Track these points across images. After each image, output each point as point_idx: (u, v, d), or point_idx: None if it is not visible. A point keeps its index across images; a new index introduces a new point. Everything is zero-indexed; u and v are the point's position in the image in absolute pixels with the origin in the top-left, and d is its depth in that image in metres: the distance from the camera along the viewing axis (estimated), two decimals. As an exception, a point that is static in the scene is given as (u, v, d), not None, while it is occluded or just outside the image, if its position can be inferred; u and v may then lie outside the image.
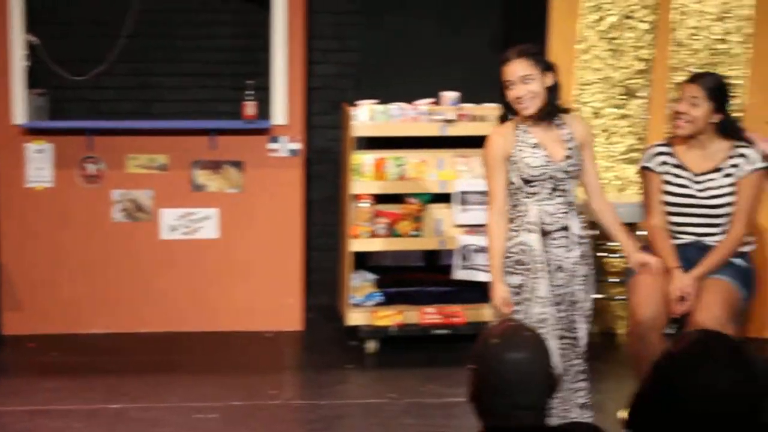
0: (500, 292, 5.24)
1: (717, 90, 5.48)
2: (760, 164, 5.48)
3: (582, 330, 5.30)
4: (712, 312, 5.29)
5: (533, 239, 5.20)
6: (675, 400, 2.68)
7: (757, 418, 2.69)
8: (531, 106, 5.19)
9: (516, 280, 5.25)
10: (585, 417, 5.28)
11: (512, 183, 5.22)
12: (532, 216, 5.21)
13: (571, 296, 5.25)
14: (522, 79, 5.18)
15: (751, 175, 5.47)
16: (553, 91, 5.24)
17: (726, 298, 5.40)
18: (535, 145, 5.20)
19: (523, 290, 5.25)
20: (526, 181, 5.21)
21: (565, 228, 5.23)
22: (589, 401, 5.33)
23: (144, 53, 7.82)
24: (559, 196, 5.23)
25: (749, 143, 5.59)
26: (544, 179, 5.19)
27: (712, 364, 2.69)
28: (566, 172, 5.22)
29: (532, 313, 5.22)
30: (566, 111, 5.31)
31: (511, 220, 5.24)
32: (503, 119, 5.34)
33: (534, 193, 5.22)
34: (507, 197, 5.25)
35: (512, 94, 5.19)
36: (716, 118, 5.47)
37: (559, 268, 5.23)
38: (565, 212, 5.24)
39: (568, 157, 5.22)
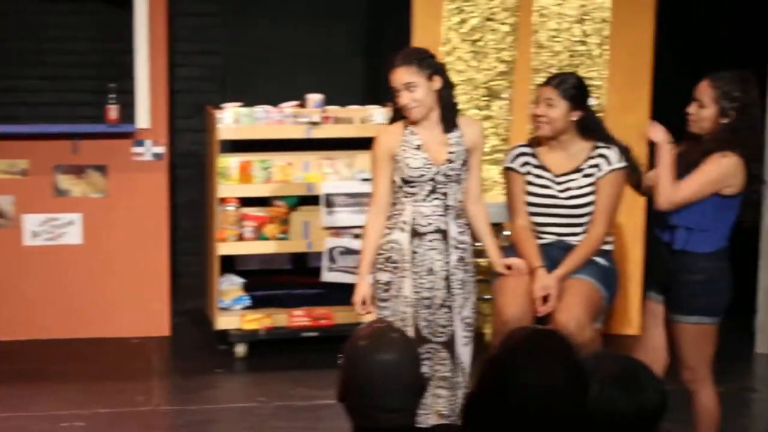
0: (360, 290, 5.34)
1: (572, 89, 5.53)
2: (620, 164, 5.54)
3: (459, 337, 5.34)
4: (572, 312, 5.35)
5: (403, 238, 5.27)
6: (505, 397, 2.72)
7: (583, 410, 2.75)
8: (416, 114, 5.25)
9: (385, 277, 5.33)
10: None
11: (395, 182, 5.30)
12: (406, 216, 5.29)
13: (445, 301, 5.30)
14: (406, 86, 5.22)
15: (610, 174, 5.52)
16: (443, 93, 5.28)
17: (587, 298, 5.44)
18: (418, 147, 5.27)
19: (391, 287, 5.32)
20: (406, 182, 5.28)
21: (440, 231, 5.29)
22: (450, 412, 5.33)
23: (4, 57, 7.68)
24: (437, 198, 5.29)
25: (611, 142, 5.66)
26: (424, 181, 5.26)
27: (539, 361, 2.73)
28: (446, 175, 5.28)
29: (398, 311, 5.28)
30: (455, 114, 5.35)
31: (389, 218, 5.32)
32: (394, 120, 5.38)
33: (412, 194, 5.29)
34: (390, 195, 5.32)
35: (398, 100, 5.25)
36: (575, 116, 5.52)
37: (430, 271, 5.29)
38: (442, 215, 5.30)
39: (449, 161, 5.28)
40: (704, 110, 5.23)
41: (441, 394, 5.32)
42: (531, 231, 5.56)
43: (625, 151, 5.62)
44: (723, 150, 5.17)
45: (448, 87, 5.32)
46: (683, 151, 5.38)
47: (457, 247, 5.34)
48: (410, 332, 5.23)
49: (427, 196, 5.28)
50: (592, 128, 5.59)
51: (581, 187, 5.53)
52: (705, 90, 5.22)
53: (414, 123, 5.29)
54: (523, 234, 5.56)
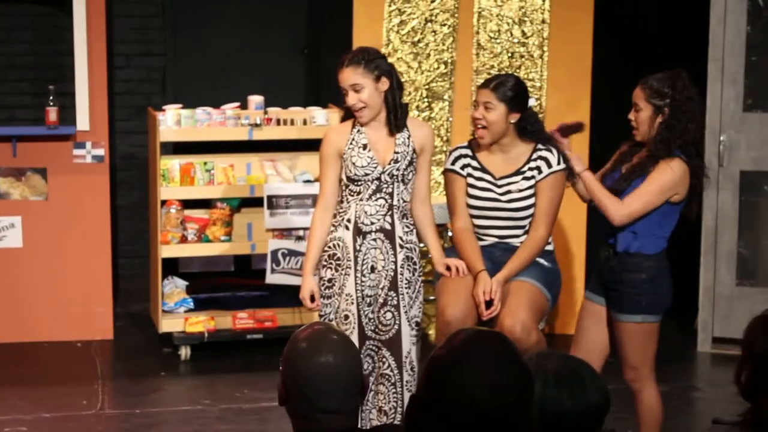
0: (307, 286, 5.37)
1: (509, 91, 5.54)
2: (559, 166, 5.56)
3: (405, 335, 5.36)
4: (518, 316, 5.36)
5: (347, 236, 5.31)
6: (448, 398, 2.73)
7: (528, 411, 2.77)
8: (364, 114, 5.28)
9: (328, 273, 5.37)
10: (383, 422, 5.33)
11: (341, 180, 5.34)
12: (350, 214, 5.33)
13: (389, 299, 5.33)
14: (352, 87, 5.24)
15: (550, 177, 5.52)
16: (391, 95, 5.31)
17: (532, 301, 5.45)
18: (365, 146, 5.29)
19: (333, 285, 5.35)
20: (351, 180, 5.31)
21: (384, 230, 5.32)
22: (393, 411, 5.34)
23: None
24: (381, 198, 5.31)
25: (550, 145, 5.67)
26: (369, 180, 5.29)
27: (482, 362, 2.74)
28: (391, 175, 5.31)
29: (341, 309, 5.31)
30: (405, 113, 5.37)
31: (334, 216, 5.36)
32: (345, 119, 5.42)
33: (357, 192, 5.33)
34: (336, 192, 5.36)
35: (347, 101, 5.27)
36: (513, 118, 5.53)
37: (372, 269, 5.32)
38: (386, 214, 5.32)
39: (394, 161, 5.31)
40: (641, 113, 5.32)
41: (381, 391, 5.34)
42: (472, 233, 5.57)
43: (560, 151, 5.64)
44: (666, 151, 5.24)
45: (396, 89, 5.34)
46: (625, 152, 5.44)
47: (403, 247, 5.36)
48: (353, 329, 5.27)
49: (372, 195, 5.31)
50: (531, 130, 5.59)
51: (522, 190, 5.54)
52: (638, 93, 5.33)
53: (363, 123, 5.33)
54: (464, 236, 5.56)
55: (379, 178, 5.30)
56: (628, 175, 5.35)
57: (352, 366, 3.19)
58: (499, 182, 5.56)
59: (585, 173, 5.45)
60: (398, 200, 5.36)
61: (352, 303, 5.31)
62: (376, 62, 5.31)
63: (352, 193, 5.33)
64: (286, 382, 3.18)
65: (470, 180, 5.57)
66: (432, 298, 7.65)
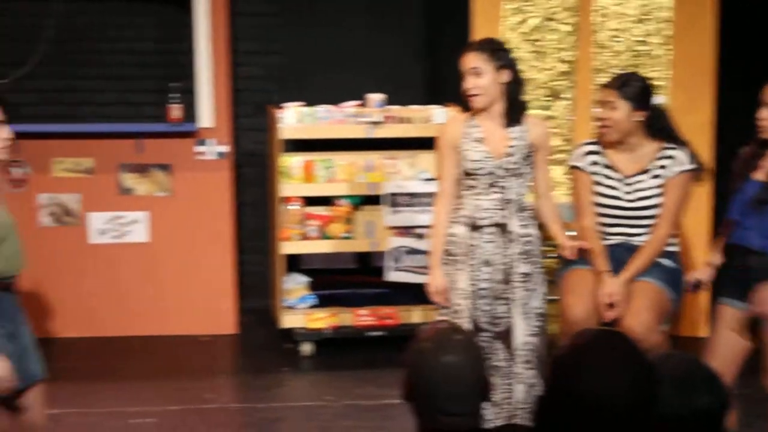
0: (436, 280, 5.37)
1: (633, 90, 5.51)
2: (688, 166, 5.53)
3: (520, 329, 5.37)
4: (641, 317, 5.34)
5: (462, 232, 5.32)
6: (572, 399, 2.73)
7: (650, 412, 2.76)
8: (478, 101, 5.27)
9: (444, 269, 5.38)
10: (495, 413, 5.34)
11: (459, 174, 5.35)
12: (466, 210, 5.34)
13: (503, 293, 5.33)
14: (473, 71, 5.25)
15: (678, 176, 5.50)
16: (510, 88, 5.31)
17: (654, 302, 5.43)
18: (479, 140, 5.29)
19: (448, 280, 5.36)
20: (467, 174, 5.32)
21: (498, 225, 5.31)
22: (503, 400, 5.38)
23: (69, 57, 7.74)
24: (496, 192, 5.31)
25: (679, 143, 5.63)
26: (483, 174, 5.29)
27: (606, 363, 2.74)
28: (506, 169, 5.30)
29: (453, 303, 5.33)
30: (523, 109, 5.37)
31: (452, 210, 5.39)
32: (463, 110, 5.41)
33: (472, 187, 5.33)
34: (456, 184, 5.36)
35: (463, 84, 5.28)
36: (638, 116, 5.51)
37: (486, 263, 5.32)
38: (501, 209, 5.32)
39: (508, 154, 5.30)
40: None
41: (493, 383, 5.35)
42: (597, 232, 5.56)
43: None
44: None
45: (516, 83, 5.33)
46: (748, 157, 5.35)
47: (519, 240, 5.35)
48: (465, 323, 5.28)
49: (487, 189, 5.30)
50: (659, 128, 5.57)
51: (649, 189, 5.52)
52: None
53: (476, 113, 5.31)
54: (589, 235, 5.55)
55: (492, 172, 5.29)
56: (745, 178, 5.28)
57: (474, 367, 3.19)
58: (627, 181, 5.53)
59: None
60: (514, 194, 5.35)
61: (465, 297, 5.32)
62: (500, 53, 5.31)
63: (467, 188, 5.34)
64: (409, 381, 3.21)
65: (597, 178, 5.55)
66: (552, 298, 7.64)
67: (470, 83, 5.27)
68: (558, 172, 7.42)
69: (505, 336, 5.37)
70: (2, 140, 4.58)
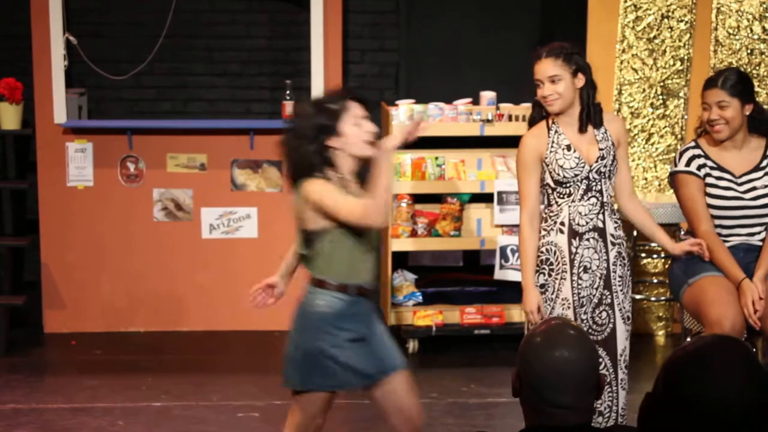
0: (533, 299, 5.23)
1: (738, 84, 5.44)
2: None
3: (621, 333, 5.29)
4: None
5: (562, 240, 5.20)
6: (681, 399, 2.69)
7: (765, 420, 2.70)
8: (556, 106, 5.20)
9: (540, 279, 5.26)
10: (596, 422, 5.25)
11: (546, 184, 5.23)
12: (564, 216, 5.21)
13: (600, 298, 5.25)
14: (550, 78, 5.19)
15: None
16: (586, 92, 5.24)
17: None
18: (568, 147, 5.19)
19: (546, 290, 5.26)
20: (559, 183, 5.20)
21: (597, 229, 5.24)
22: (608, 410, 5.28)
23: (182, 53, 7.87)
24: (593, 196, 5.22)
25: None
26: (578, 180, 5.20)
27: (719, 365, 2.69)
28: (599, 173, 5.23)
29: (555, 314, 5.23)
30: (600, 111, 5.30)
31: (544, 220, 5.25)
32: (534, 119, 5.30)
33: (567, 194, 5.22)
34: (540, 198, 5.26)
35: (539, 92, 5.21)
36: (748, 110, 5.43)
37: (585, 269, 5.23)
38: (598, 212, 5.24)
39: (601, 158, 5.23)
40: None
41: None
42: (718, 236, 5.46)
43: None
44: None
45: (590, 87, 5.25)
46: None
47: (615, 243, 5.28)
48: None
49: (583, 194, 5.21)
50: (761, 122, 5.49)
51: (766, 186, 5.45)
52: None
53: (555, 121, 5.22)
54: (713, 239, 5.45)
55: (588, 177, 5.20)
56: None
57: (586, 362, 3.16)
58: (740, 180, 5.45)
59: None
60: (607, 197, 5.28)
61: (569, 307, 5.21)
62: (575, 57, 5.23)
63: (561, 196, 5.20)
64: (519, 374, 3.19)
65: (709, 180, 5.47)
66: (659, 299, 7.54)
67: (548, 90, 5.18)
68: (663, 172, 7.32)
69: (606, 343, 5.28)
70: (367, 133, 4.67)
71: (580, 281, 5.22)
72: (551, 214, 5.22)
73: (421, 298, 7.48)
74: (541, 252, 5.23)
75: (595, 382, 3.19)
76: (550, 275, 5.23)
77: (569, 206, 5.20)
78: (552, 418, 3.14)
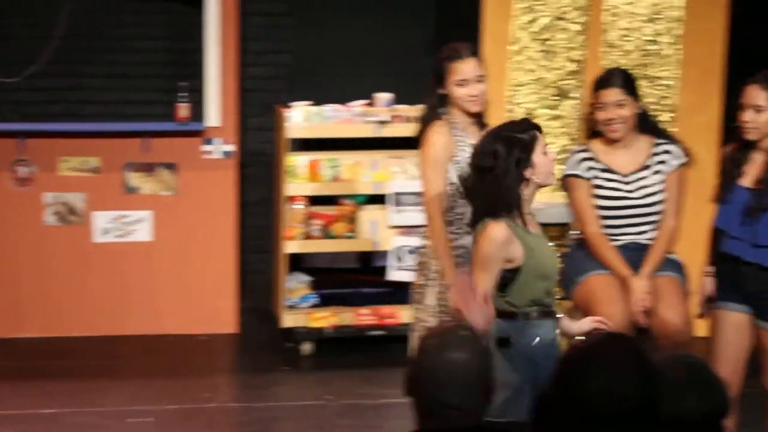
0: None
1: (631, 83, 5.51)
2: (683, 158, 5.52)
3: None
4: (678, 309, 5.36)
5: (470, 242, 5.17)
6: (575, 402, 2.71)
7: (654, 416, 2.73)
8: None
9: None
10: None
11: (452, 184, 5.17)
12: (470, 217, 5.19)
13: None
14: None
15: (677, 169, 5.51)
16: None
17: (683, 294, 5.47)
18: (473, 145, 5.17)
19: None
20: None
21: None
22: None
23: (76, 55, 7.75)
24: None
25: (668, 136, 5.65)
26: None
27: (608, 363, 2.72)
28: None
29: (423, 320, 5.23)
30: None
31: (450, 223, 5.18)
32: (431, 118, 5.22)
33: None
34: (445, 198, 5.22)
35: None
36: (638, 108, 5.49)
37: None
38: None
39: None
40: (763, 114, 5.15)
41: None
42: (606, 237, 5.50)
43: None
44: None
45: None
46: (733, 157, 5.28)
47: None
48: None
49: None
50: (649, 122, 5.56)
51: (652, 185, 5.51)
52: (758, 93, 5.11)
53: (460, 120, 5.19)
54: (601, 240, 5.49)
55: None
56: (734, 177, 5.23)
57: (477, 364, 3.17)
58: (628, 179, 5.50)
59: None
60: None
61: (433, 315, 5.21)
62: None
63: (465, 196, 5.18)
64: (412, 375, 3.18)
65: (597, 182, 5.51)
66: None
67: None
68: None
69: None
70: (554, 162, 4.60)
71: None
72: (458, 217, 5.19)
73: (315, 300, 7.46)
74: (455, 256, 5.18)
75: (486, 385, 3.18)
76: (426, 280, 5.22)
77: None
78: (442, 420, 3.14)
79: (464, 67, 5.18)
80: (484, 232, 4.49)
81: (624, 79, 5.49)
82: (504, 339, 4.51)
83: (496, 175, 4.47)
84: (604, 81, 5.51)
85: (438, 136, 5.16)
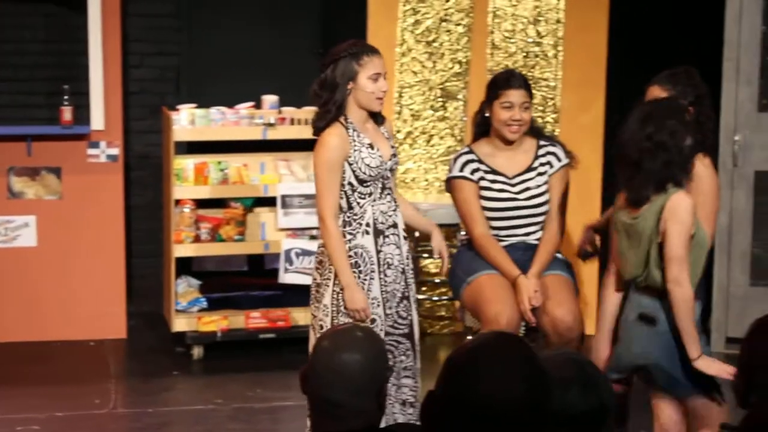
0: (361, 296, 5.14)
1: (530, 86, 5.62)
2: (567, 160, 5.62)
3: (415, 326, 5.35)
4: (567, 306, 5.45)
5: (368, 241, 5.20)
6: (460, 397, 2.74)
7: (543, 416, 2.77)
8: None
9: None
10: (407, 414, 5.31)
11: (348, 184, 5.18)
12: (368, 217, 5.21)
13: (402, 292, 5.29)
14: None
15: (561, 170, 5.62)
16: None
17: (572, 292, 5.57)
18: (371, 145, 5.19)
19: None
20: (362, 182, 5.18)
21: (395, 225, 5.28)
22: (415, 399, 5.35)
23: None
24: (388, 194, 5.27)
25: (550, 138, 5.76)
26: (378, 178, 5.21)
27: (496, 364, 2.75)
28: (391, 170, 5.28)
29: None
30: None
31: (348, 223, 5.20)
32: (330, 120, 5.19)
33: (368, 194, 5.21)
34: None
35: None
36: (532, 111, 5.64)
37: (389, 266, 5.26)
38: (395, 209, 5.29)
39: (393, 155, 5.28)
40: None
41: (406, 384, 5.31)
42: (493, 237, 5.57)
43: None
44: (701, 151, 5.06)
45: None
46: None
47: (405, 238, 5.34)
48: (380, 333, 5.18)
49: (381, 193, 5.24)
50: (532, 125, 5.66)
51: (538, 186, 5.59)
52: (657, 93, 5.14)
53: (350, 120, 5.17)
54: (488, 241, 5.55)
55: (383, 175, 5.25)
56: None
57: (370, 366, 3.17)
58: (513, 181, 5.57)
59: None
60: (395, 192, 5.36)
61: (378, 305, 5.22)
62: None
63: (363, 196, 5.20)
64: (307, 374, 3.19)
65: (483, 183, 5.57)
66: (442, 298, 7.65)
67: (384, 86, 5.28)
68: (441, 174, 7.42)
69: (410, 336, 5.33)
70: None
71: (385, 278, 5.24)
72: (355, 217, 5.20)
73: (205, 303, 7.42)
74: (350, 256, 5.19)
75: (378, 387, 3.20)
76: (358, 277, 5.19)
77: (372, 206, 5.20)
78: (334, 421, 3.15)
79: (377, 61, 5.20)
80: (678, 205, 4.58)
81: (525, 82, 5.60)
82: (648, 316, 4.66)
83: (669, 149, 4.56)
84: (510, 81, 5.57)
85: (332, 137, 5.16)
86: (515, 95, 5.50)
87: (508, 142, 5.58)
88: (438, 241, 5.47)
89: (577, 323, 5.43)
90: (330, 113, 5.18)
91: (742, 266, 7.51)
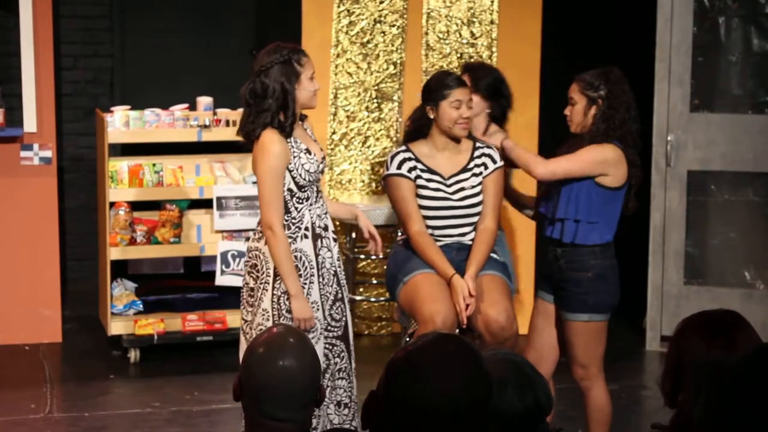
0: (307, 305, 5.16)
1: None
2: (501, 162, 5.66)
3: (349, 327, 5.37)
4: (501, 306, 5.46)
5: (307, 245, 5.21)
6: (401, 399, 2.75)
7: (485, 416, 2.79)
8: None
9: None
10: (342, 415, 5.32)
11: (288, 190, 5.18)
12: (307, 221, 5.22)
13: (335, 294, 5.30)
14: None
15: (495, 172, 5.64)
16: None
17: (507, 292, 5.59)
18: (308, 150, 5.21)
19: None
20: (301, 187, 5.19)
21: (327, 228, 5.30)
22: (350, 400, 5.36)
23: None
24: (320, 197, 5.29)
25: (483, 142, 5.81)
26: (314, 183, 5.23)
27: (437, 365, 2.77)
28: (322, 172, 5.31)
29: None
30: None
31: (286, 227, 5.19)
32: (278, 127, 5.17)
33: (306, 198, 5.22)
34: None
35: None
36: None
37: (324, 268, 5.27)
38: (326, 212, 5.31)
39: (323, 158, 5.30)
40: (576, 106, 5.43)
41: (340, 385, 5.31)
42: (430, 236, 5.59)
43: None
44: (604, 140, 5.33)
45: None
46: (564, 149, 5.49)
47: (335, 240, 5.35)
48: (320, 336, 5.19)
49: (316, 196, 5.26)
50: None
51: (473, 187, 5.61)
52: (573, 88, 5.42)
53: (293, 125, 5.22)
54: (424, 239, 5.56)
55: (317, 179, 5.27)
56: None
57: (307, 373, 3.15)
58: (449, 181, 5.59)
59: (507, 141, 5.66)
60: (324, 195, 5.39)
61: (318, 309, 5.22)
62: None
63: (300, 201, 5.21)
64: (240, 382, 3.17)
65: (420, 182, 5.59)
66: (379, 299, 7.67)
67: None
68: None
69: (344, 338, 5.34)
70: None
71: (323, 281, 5.25)
72: (294, 221, 5.21)
73: (141, 306, 7.39)
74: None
75: (314, 394, 3.19)
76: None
77: (309, 210, 5.21)
78: (268, 428, 3.14)
79: (311, 61, 5.23)
80: None
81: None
82: None
83: None
84: (458, 80, 5.62)
85: (275, 145, 5.14)
86: (462, 93, 5.55)
87: (450, 143, 5.60)
88: (364, 222, 5.50)
89: (510, 323, 5.45)
90: (268, 119, 5.16)
91: (676, 265, 7.60)
